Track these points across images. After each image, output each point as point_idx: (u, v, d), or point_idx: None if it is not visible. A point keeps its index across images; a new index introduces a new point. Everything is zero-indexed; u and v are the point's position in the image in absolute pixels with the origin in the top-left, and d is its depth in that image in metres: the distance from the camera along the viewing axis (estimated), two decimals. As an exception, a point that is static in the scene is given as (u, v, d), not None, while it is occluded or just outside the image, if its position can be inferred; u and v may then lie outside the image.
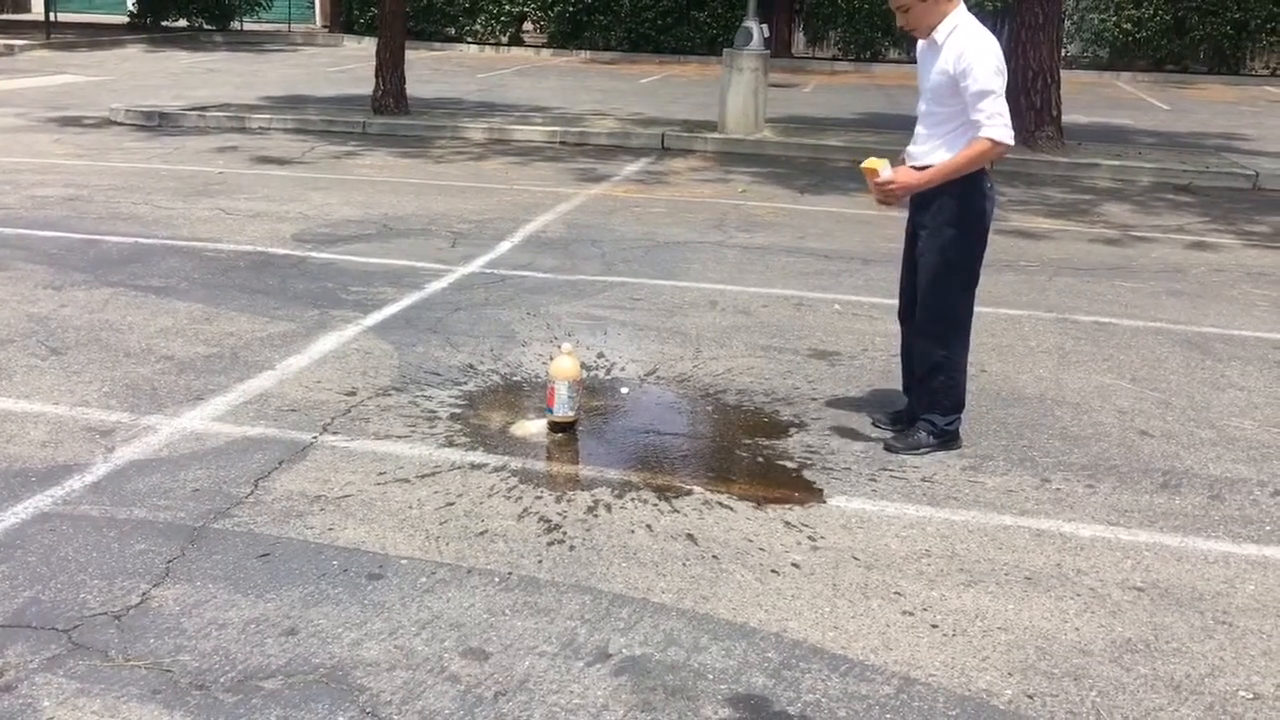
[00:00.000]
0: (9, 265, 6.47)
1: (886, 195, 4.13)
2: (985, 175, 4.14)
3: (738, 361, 5.30)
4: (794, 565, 3.46)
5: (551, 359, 4.54)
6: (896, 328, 4.58)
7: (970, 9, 4.13)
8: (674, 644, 3.01)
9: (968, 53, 3.97)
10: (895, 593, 3.32)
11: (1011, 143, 3.99)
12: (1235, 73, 22.95)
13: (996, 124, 3.95)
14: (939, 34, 4.06)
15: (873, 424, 4.56)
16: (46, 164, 9.82)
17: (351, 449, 4.17)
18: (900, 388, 4.60)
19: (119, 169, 9.73)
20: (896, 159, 4.27)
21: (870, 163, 4.14)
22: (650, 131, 12.45)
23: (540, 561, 3.42)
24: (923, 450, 4.30)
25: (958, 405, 4.35)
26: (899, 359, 4.61)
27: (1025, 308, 6.35)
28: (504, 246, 7.40)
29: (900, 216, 4.56)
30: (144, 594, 3.16)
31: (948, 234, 4.15)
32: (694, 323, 5.89)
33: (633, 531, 3.63)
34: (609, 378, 5.05)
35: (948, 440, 4.35)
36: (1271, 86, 21.81)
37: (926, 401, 4.34)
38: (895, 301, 4.53)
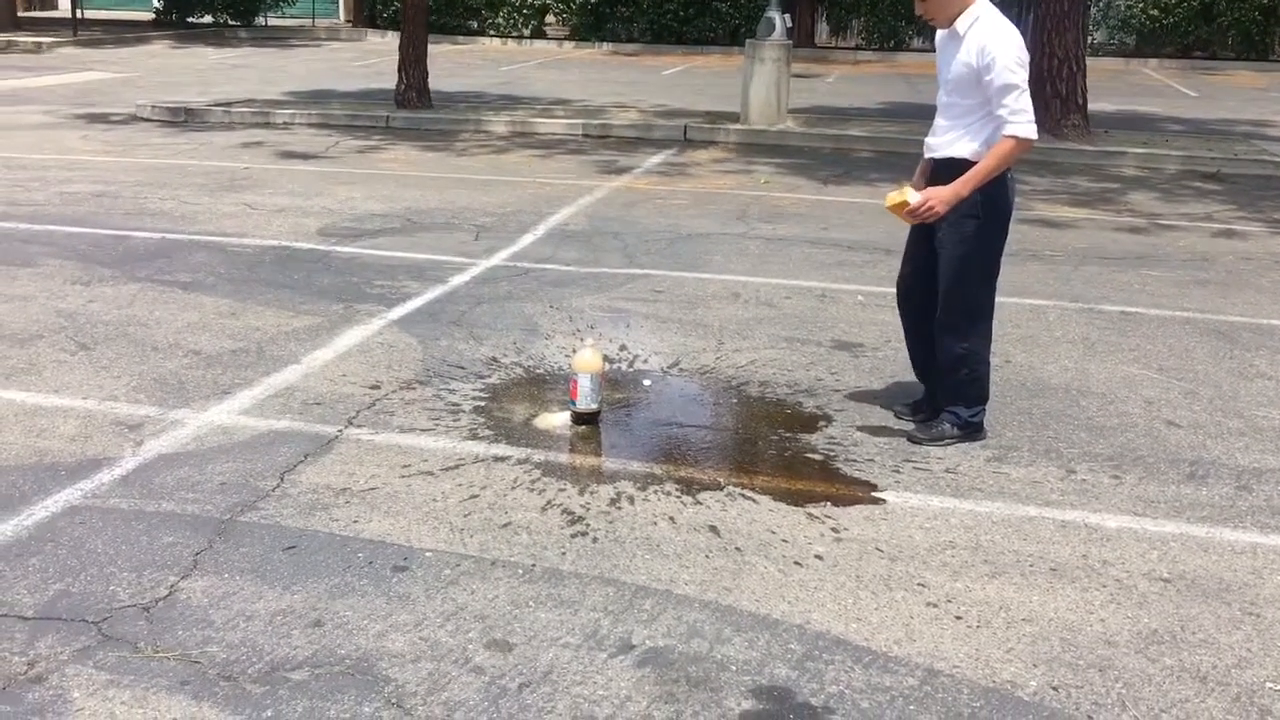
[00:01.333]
0: (38, 261, 6.54)
1: (926, 216, 4.09)
2: (1009, 175, 4.13)
3: (760, 353, 5.29)
4: (817, 557, 3.46)
5: (574, 351, 4.55)
6: (920, 319, 4.56)
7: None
8: (697, 635, 3.02)
9: (990, 45, 3.95)
10: (919, 584, 3.32)
11: (1036, 138, 3.99)
12: (1264, 59, 22.68)
13: (1021, 120, 3.94)
14: (960, 25, 4.05)
15: (895, 415, 4.55)
16: (74, 160, 9.91)
17: (376, 442, 4.20)
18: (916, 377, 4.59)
19: (146, 165, 9.81)
20: (920, 170, 4.25)
21: (893, 198, 4.15)
22: (672, 123, 12.43)
23: (564, 553, 3.43)
24: (946, 441, 4.29)
25: (982, 397, 4.33)
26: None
27: (1050, 297, 6.31)
28: (527, 239, 7.42)
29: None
30: (172, 586, 3.20)
31: (969, 226, 4.12)
32: (716, 315, 5.88)
33: (655, 523, 3.64)
34: (631, 370, 5.06)
35: (972, 432, 4.33)
36: (1302, 72, 21.55)
37: (951, 394, 4.33)
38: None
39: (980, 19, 4.02)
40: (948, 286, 4.21)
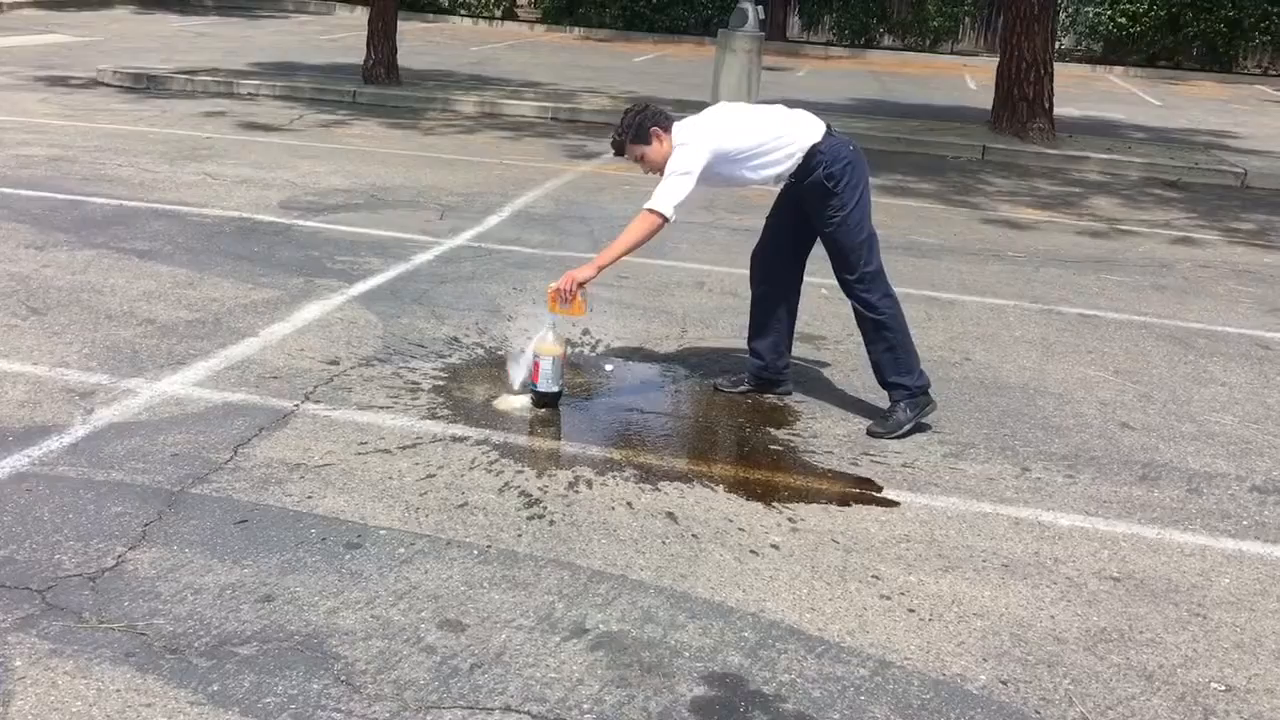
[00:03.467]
0: (-9, 224, 6.41)
1: (567, 289, 4.22)
2: (837, 146, 4.26)
3: (723, 342, 5.29)
4: (773, 546, 3.46)
5: (536, 334, 4.53)
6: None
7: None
8: (651, 621, 3.02)
9: (676, 152, 4.22)
10: (873, 576, 3.33)
11: (668, 215, 4.15)
12: (1228, 70, 22.97)
13: (658, 197, 4.16)
14: None
15: (715, 388, 4.71)
16: (32, 123, 9.72)
17: (333, 418, 4.15)
18: (749, 347, 4.70)
19: (105, 130, 9.64)
20: None
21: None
22: (642, 110, 12.37)
23: (520, 535, 3.41)
24: (904, 429, 4.32)
25: (915, 354, 4.41)
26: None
27: (1011, 298, 6.36)
28: (492, 220, 7.37)
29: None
30: (120, 556, 3.14)
31: (830, 206, 4.26)
32: (680, 302, 5.88)
33: (613, 508, 3.63)
34: (594, 354, 5.04)
35: (923, 404, 4.37)
36: (1264, 85, 21.85)
37: (889, 365, 4.38)
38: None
39: (680, 145, 4.22)
40: (838, 264, 4.37)
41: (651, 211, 4.16)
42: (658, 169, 4.29)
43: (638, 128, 4.27)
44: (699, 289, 6.13)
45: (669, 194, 4.16)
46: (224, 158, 8.78)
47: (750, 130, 4.26)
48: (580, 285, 4.23)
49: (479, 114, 12.21)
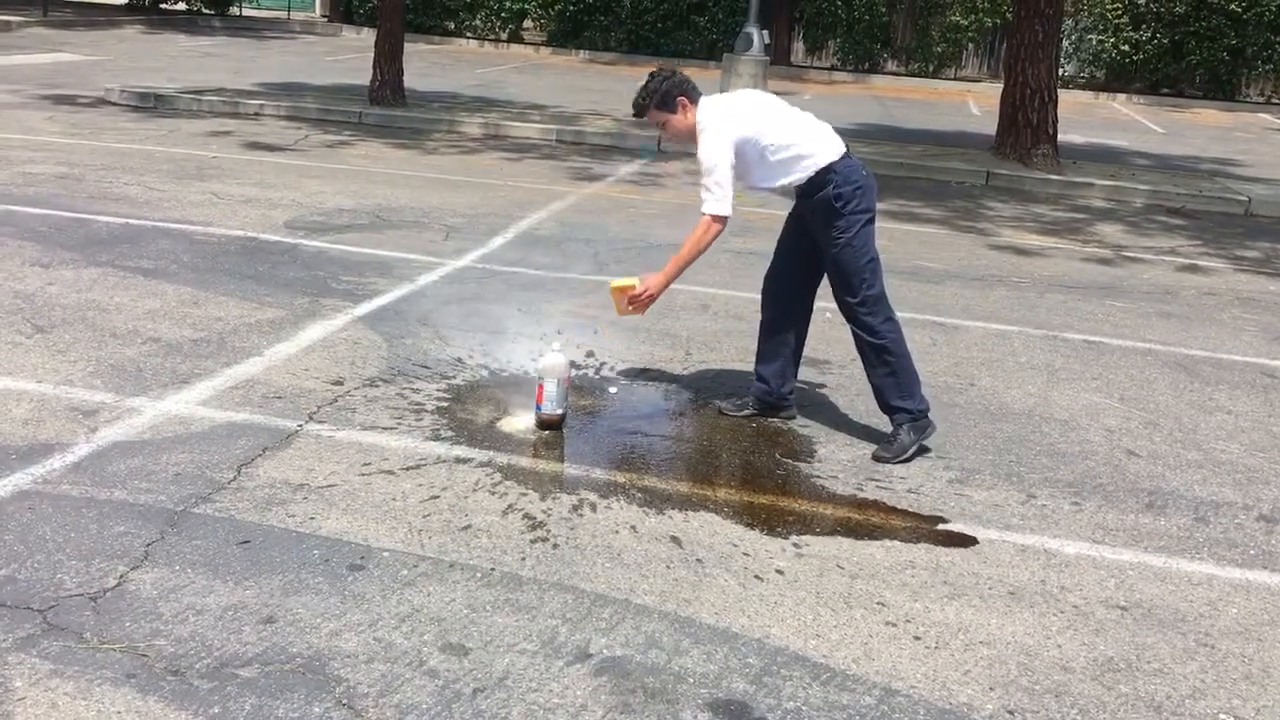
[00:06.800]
0: (-3, 241, 6.41)
1: (644, 301, 4.33)
2: (850, 168, 4.26)
3: (728, 365, 5.28)
4: (778, 572, 3.44)
5: (541, 356, 4.52)
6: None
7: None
8: (655, 646, 2.99)
9: (701, 141, 4.21)
10: (879, 603, 3.31)
11: (724, 213, 4.19)
12: (1231, 99, 23.05)
13: (707, 200, 4.19)
14: (696, 139, 4.30)
15: (720, 411, 4.69)
16: (39, 141, 9.75)
17: (337, 438, 4.14)
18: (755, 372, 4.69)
19: (111, 149, 9.67)
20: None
21: (619, 283, 4.43)
22: (647, 133, 12.40)
23: (523, 559, 3.40)
24: (909, 453, 4.31)
25: (916, 378, 4.39)
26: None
27: (1016, 323, 6.35)
28: (497, 242, 7.37)
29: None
30: (121, 576, 3.13)
31: (835, 227, 4.27)
32: (685, 325, 5.87)
33: (617, 532, 3.61)
34: (598, 377, 5.04)
35: (924, 426, 4.35)
36: (1266, 114, 21.92)
37: (891, 389, 4.36)
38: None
39: (704, 130, 4.22)
40: (840, 287, 4.37)
41: (714, 218, 4.18)
42: (678, 139, 4.30)
43: (664, 94, 4.23)
44: (703, 312, 6.13)
45: (717, 195, 4.16)
46: (230, 177, 8.80)
47: (776, 126, 4.25)
48: (653, 298, 4.32)
49: (484, 135, 12.25)
